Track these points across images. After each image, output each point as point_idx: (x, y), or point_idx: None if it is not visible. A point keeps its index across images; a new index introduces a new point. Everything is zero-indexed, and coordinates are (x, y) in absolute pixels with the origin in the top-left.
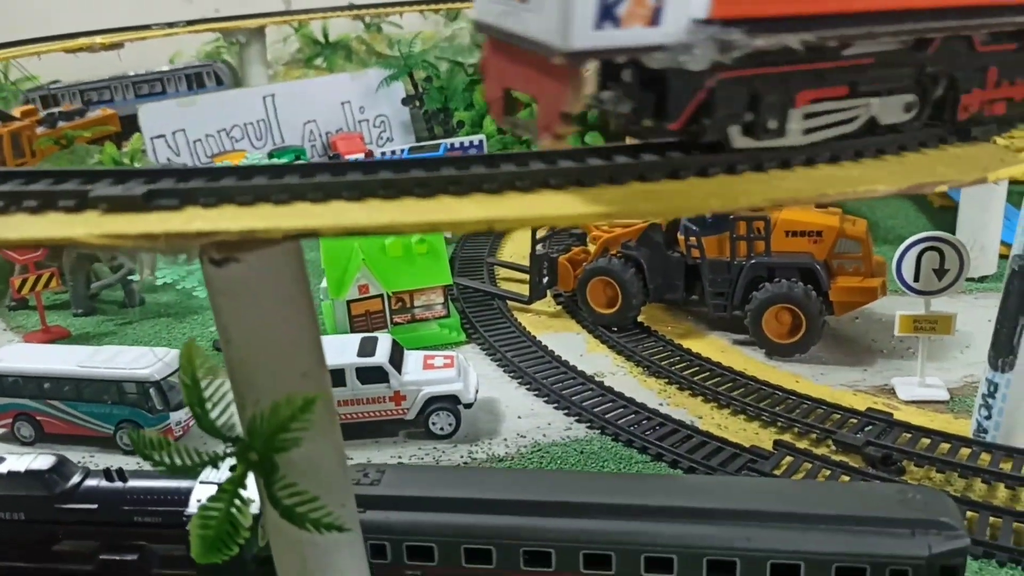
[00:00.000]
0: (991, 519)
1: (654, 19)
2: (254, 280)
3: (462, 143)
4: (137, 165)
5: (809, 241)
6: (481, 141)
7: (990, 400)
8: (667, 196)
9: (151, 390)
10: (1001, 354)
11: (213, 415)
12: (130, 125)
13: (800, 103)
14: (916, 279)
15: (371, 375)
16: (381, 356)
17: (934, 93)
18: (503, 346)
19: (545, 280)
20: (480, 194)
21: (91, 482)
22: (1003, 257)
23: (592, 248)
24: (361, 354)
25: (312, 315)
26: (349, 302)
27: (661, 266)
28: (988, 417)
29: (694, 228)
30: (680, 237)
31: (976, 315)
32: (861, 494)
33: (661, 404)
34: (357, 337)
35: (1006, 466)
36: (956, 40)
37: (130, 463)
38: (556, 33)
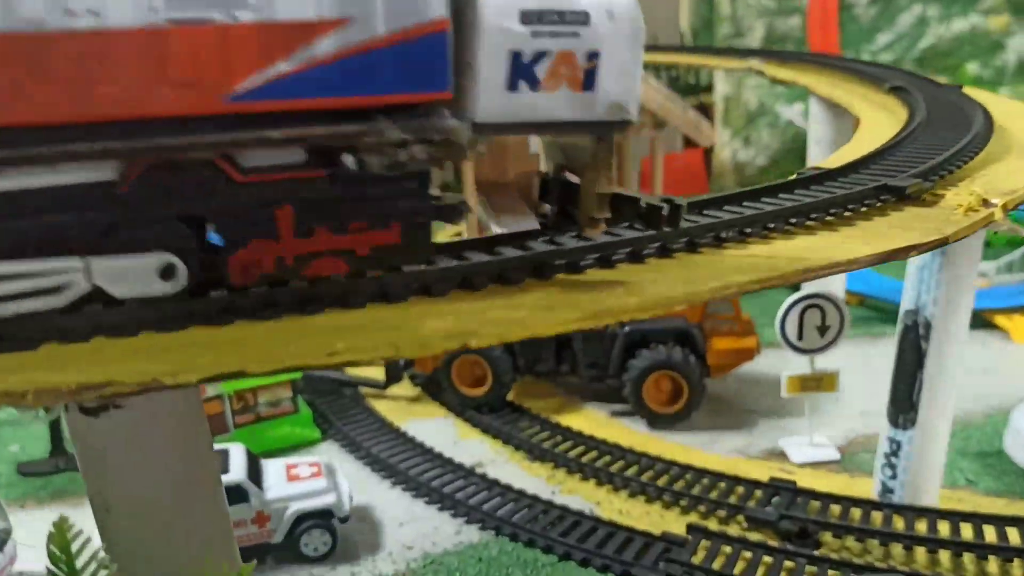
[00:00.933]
0: None
1: None
2: (144, 426)
3: None
4: None
5: None
6: None
7: (893, 459)
8: None
9: None
10: (901, 411)
11: None
12: None
13: None
14: (800, 338)
15: (229, 496)
16: (237, 472)
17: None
18: (366, 441)
19: (402, 362)
20: None
21: None
22: (848, 304)
23: None
24: None
25: (213, 463)
26: None
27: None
28: (893, 477)
29: None
30: None
31: (831, 366)
32: None
33: (553, 492)
34: None
35: (921, 528)
36: (197, 168)
37: None
38: None
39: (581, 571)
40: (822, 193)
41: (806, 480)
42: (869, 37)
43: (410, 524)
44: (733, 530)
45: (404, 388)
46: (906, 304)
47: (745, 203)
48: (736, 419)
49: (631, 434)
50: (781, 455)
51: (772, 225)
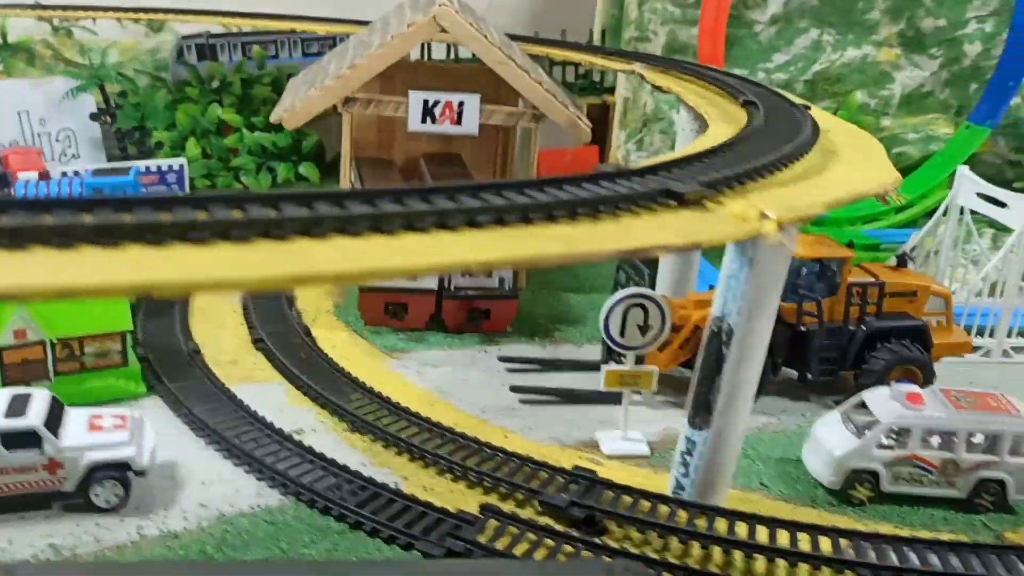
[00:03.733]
0: None
1: None
2: None
3: (159, 167)
4: None
5: None
6: (181, 166)
7: (687, 457)
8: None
9: None
10: (699, 412)
11: None
12: None
13: None
14: (622, 335)
15: (21, 441)
16: (33, 418)
17: None
18: (190, 400)
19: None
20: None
21: None
22: None
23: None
24: (9, 415)
25: None
26: (1, 349)
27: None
28: (686, 475)
29: (811, 295)
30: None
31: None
32: (567, 572)
33: (364, 464)
34: (6, 394)
35: (701, 524)
36: None
37: None
38: None
39: (368, 541)
40: (608, 190)
41: (611, 471)
42: (766, 56)
43: (214, 484)
44: (527, 513)
45: (247, 352)
46: (714, 311)
47: (546, 188)
48: (560, 408)
49: (459, 415)
50: (595, 446)
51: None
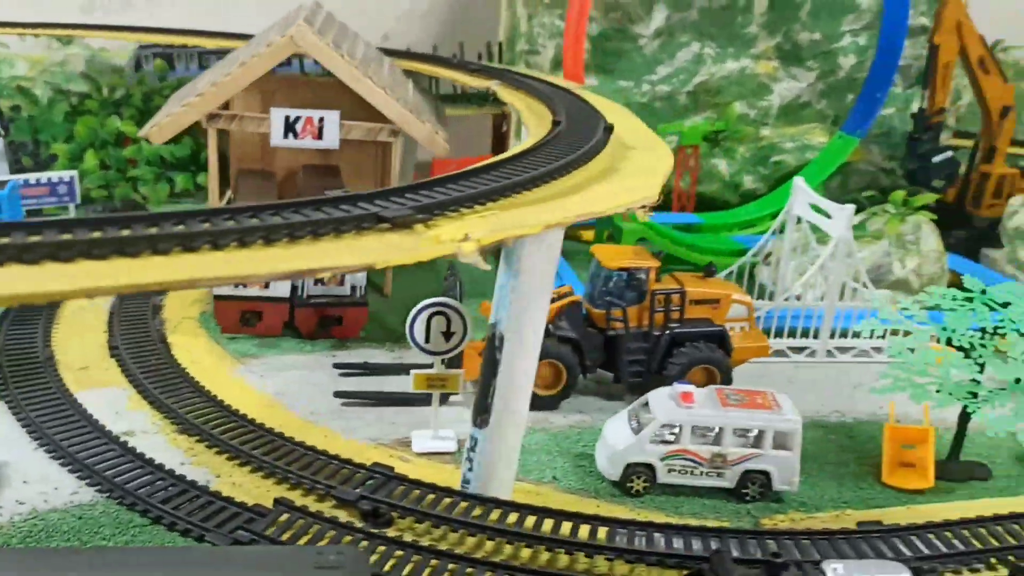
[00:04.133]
0: (468, 569)
1: None
2: None
3: (50, 179)
4: None
5: None
6: (72, 178)
7: (471, 454)
8: None
9: None
10: (479, 412)
11: None
12: None
13: None
14: (427, 341)
15: None
16: None
17: None
18: (32, 405)
19: None
20: None
21: None
22: None
23: None
24: None
25: None
26: None
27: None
28: (471, 470)
29: (619, 302)
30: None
31: None
32: (279, 557)
33: (183, 464)
34: None
35: (479, 515)
36: None
37: None
38: None
39: (166, 534)
40: (325, 214)
41: (417, 468)
42: (651, 68)
43: (35, 483)
44: (323, 507)
45: (101, 359)
46: (491, 318)
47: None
48: (393, 411)
49: (288, 417)
50: (408, 444)
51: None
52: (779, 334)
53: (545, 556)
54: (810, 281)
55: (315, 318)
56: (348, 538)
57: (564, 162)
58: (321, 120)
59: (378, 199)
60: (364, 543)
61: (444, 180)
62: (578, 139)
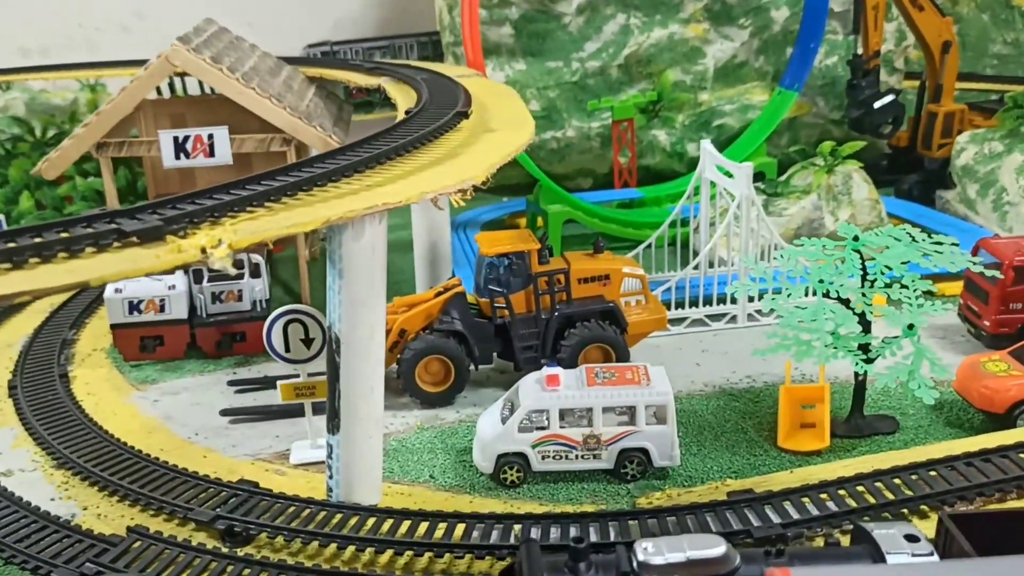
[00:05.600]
0: None
1: None
2: None
3: None
4: None
5: None
6: (0, 221)
7: (330, 461)
8: None
9: None
10: (331, 418)
11: None
12: None
13: None
14: (287, 350)
15: None
16: None
17: None
18: None
19: None
20: None
21: None
22: None
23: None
24: None
25: None
26: None
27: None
28: (331, 477)
29: (499, 290)
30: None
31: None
32: None
33: (53, 499)
34: None
35: (353, 526)
36: None
37: None
38: None
39: (19, 572)
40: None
41: (291, 479)
42: (578, 45)
43: None
44: (184, 531)
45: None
46: (328, 320)
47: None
48: (280, 424)
49: (171, 440)
50: (287, 456)
51: None
52: (707, 303)
53: (386, 558)
54: (727, 245)
55: (217, 336)
56: (197, 560)
57: (373, 155)
58: (211, 137)
59: (140, 214)
60: (213, 564)
61: (227, 187)
62: (415, 129)
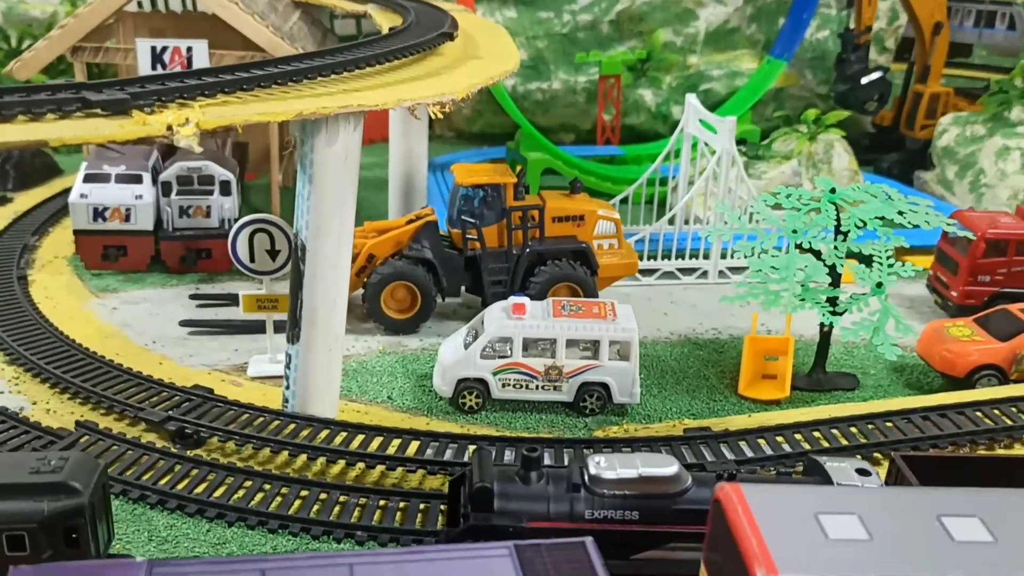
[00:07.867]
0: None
1: None
2: None
3: None
4: None
5: None
6: None
7: (288, 371)
8: None
9: None
10: (291, 326)
11: None
12: None
13: None
14: (252, 260)
15: None
16: None
17: None
18: None
19: None
20: None
21: None
22: None
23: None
24: None
25: None
26: None
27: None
28: (288, 387)
29: (472, 221)
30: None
31: None
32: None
33: (1, 392)
34: None
35: (306, 436)
36: None
37: None
38: None
39: None
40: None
41: (248, 390)
42: None
43: None
44: (136, 431)
45: None
46: (293, 228)
47: None
48: (239, 338)
49: (127, 346)
50: (245, 369)
51: None
52: (680, 256)
53: (338, 468)
54: (704, 204)
55: (181, 251)
56: (145, 457)
57: (352, 59)
58: (190, 49)
59: (107, 89)
60: (160, 463)
61: (200, 72)
62: (397, 42)
